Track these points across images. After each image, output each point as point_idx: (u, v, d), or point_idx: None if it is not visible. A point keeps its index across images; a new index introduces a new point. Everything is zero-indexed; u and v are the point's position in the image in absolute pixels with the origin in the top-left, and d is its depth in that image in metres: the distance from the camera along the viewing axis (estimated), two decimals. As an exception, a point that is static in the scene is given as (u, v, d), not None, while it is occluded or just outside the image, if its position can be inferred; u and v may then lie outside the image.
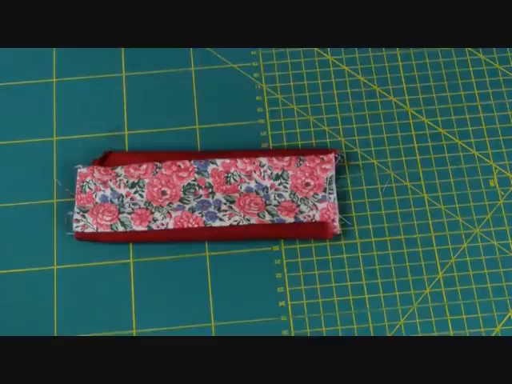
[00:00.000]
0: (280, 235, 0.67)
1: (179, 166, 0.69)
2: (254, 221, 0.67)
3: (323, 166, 0.69)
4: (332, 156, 0.69)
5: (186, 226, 0.67)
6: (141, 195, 0.69)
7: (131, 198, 0.69)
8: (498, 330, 0.65)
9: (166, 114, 0.73)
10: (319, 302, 0.66)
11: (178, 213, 0.67)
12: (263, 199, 0.68)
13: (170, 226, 0.67)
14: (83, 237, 0.67)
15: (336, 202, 0.68)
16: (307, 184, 0.69)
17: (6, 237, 0.68)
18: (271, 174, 0.69)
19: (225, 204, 0.68)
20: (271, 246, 0.68)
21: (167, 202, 0.68)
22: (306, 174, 0.69)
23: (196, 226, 0.67)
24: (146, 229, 0.67)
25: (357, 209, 0.69)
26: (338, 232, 0.68)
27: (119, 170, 0.69)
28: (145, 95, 0.73)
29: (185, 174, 0.69)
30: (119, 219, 0.67)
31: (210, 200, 0.68)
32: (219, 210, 0.67)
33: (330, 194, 0.68)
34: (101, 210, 0.68)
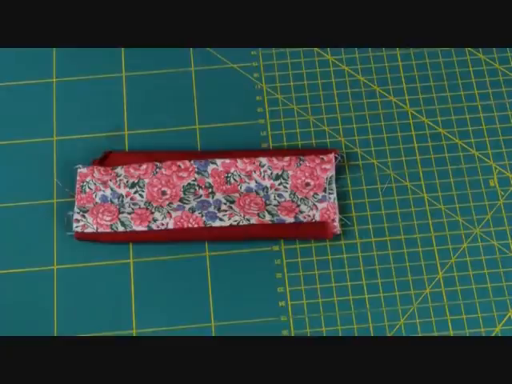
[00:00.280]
0: (280, 235, 0.67)
1: (179, 166, 0.69)
2: (254, 221, 0.67)
3: (323, 166, 0.69)
4: (332, 156, 0.69)
5: (185, 226, 0.67)
6: (141, 195, 0.69)
7: (131, 198, 0.69)
8: (497, 330, 0.65)
9: (166, 114, 0.73)
10: (319, 302, 0.66)
11: (178, 213, 0.67)
12: (263, 199, 0.68)
13: (170, 226, 0.67)
14: (83, 237, 0.67)
15: (336, 202, 0.68)
16: (307, 184, 0.69)
17: (6, 237, 0.68)
18: (271, 173, 0.69)
19: (225, 204, 0.68)
20: (271, 246, 0.68)
21: (167, 202, 0.68)
22: (306, 174, 0.69)
23: (196, 226, 0.67)
24: (145, 229, 0.67)
25: (357, 209, 0.69)
26: (338, 232, 0.68)
27: (119, 169, 0.69)
28: (145, 95, 0.73)
29: (185, 174, 0.69)
30: (119, 219, 0.67)
31: (210, 200, 0.68)
32: (219, 209, 0.67)
33: (330, 193, 0.68)
34: (101, 210, 0.68)
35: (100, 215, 0.67)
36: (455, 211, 0.69)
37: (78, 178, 0.69)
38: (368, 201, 0.69)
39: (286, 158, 0.69)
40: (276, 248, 0.68)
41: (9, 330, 0.65)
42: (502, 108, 0.73)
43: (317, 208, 0.68)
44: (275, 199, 0.68)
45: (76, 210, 0.68)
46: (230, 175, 0.69)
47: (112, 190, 0.69)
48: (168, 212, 0.67)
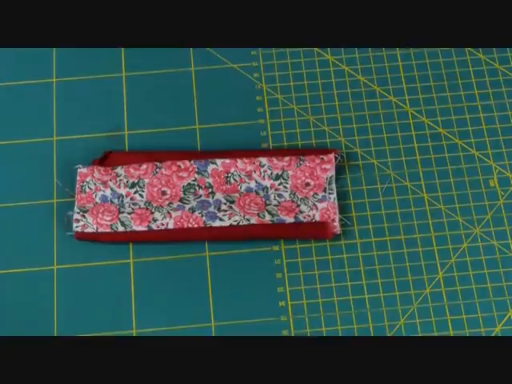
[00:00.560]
0: (280, 235, 0.67)
1: (179, 166, 0.69)
2: (254, 221, 0.67)
3: (323, 166, 0.69)
4: (332, 156, 0.69)
5: (186, 226, 0.67)
6: (141, 195, 0.69)
7: (131, 198, 0.69)
8: (497, 330, 0.65)
9: (166, 114, 0.73)
10: (319, 302, 0.66)
11: (178, 213, 0.67)
12: (263, 199, 0.68)
13: (170, 226, 0.67)
14: (83, 237, 0.67)
15: (336, 201, 0.68)
16: (307, 184, 0.69)
17: (6, 237, 0.68)
18: (271, 173, 0.69)
19: (225, 204, 0.68)
20: (271, 246, 0.68)
21: (167, 202, 0.68)
22: (306, 174, 0.69)
23: (196, 225, 0.67)
24: (146, 229, 0.67)
25: (357, 209, 0.69)
26: (338, 232, 0.68)
27: (119, 170, 0.69)
28: (145, 95, 0.73)
29: (185, 174, 0.69)
30: (119, 219, 0.67)
31: (210, 200, 0.68)
32: (219, 209, 0.67)
33: (329, 193, 0.68)
34: (101, 210, 0.68)
35: (100, 215, 0.67)
36: (455, 211, 0.69)
37: (78, 177, 0.69)
38: (368, 201, 0.69)
39: (286, 158, 0.69)
40: (276, 248, 0.68)
41: (9, 330, 0.65)
42: (501, 108, 0.73)
43: (317, 208, 0.68)
44: (275, 199, 0.68)
45: (76, 209, 0.68)
46: (230, 175, 0.69)
47: (112, 189, 0.69)
48: (168, 212, 0.67)
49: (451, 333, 0.65)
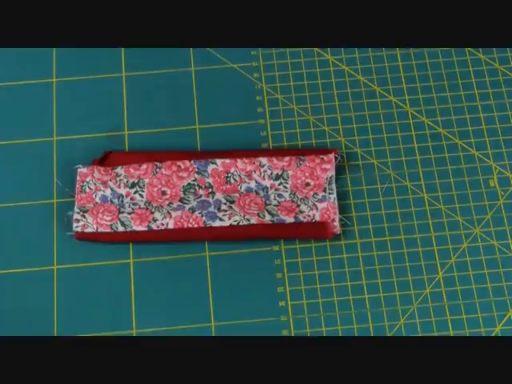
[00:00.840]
0: (280, 235, 0.67)
1: (179, 166, 0.69)
2: (253, 221, 0.67)
3: (323, 166, 0.69)
4: (332, 156, 0.69)
5: (185, 226, 0.67)
6: (141, 195, 0.69)
7: (131, 198, 0.69)
8: (497, 330, 0.65)
9: (166, 114, 0.73)
10: (319, 302, 0.66)
11: (178, 213, 0.67)
12: (263, 199, 0.68)
13: (170, 226, 0.67)
14: (83, 237, 0.67)
15: (336, 201, 0.68)
16: (307, 184, 0.69)
17: (6, 237, 0.68)
18: (271, 173, 0.69)
19: (225, 204, 0.68)
20: (271, 246, 0.68)
21: (167, 202, 0.68)
22: (306, 174, 0.69)
23: (196, 225, 0.67)
24: (146, 229, 0.67)
25: (357, 209, 0.69)
26: (338, 232, 0.68)
27: (119, 170, 0.69)
28: (145, 95, 0.73)
29: (185, 174, 0.69)
30: (119, 219, 0.67)
31: (210, 200, 0.68)
32: (219, 209, 0.67)
33: (329, 193, 0.68)
34: (101, 210, 0.68)
35: (100, 215, 0.67)
36: (455, 211, 0.69)
37: (78, 178, 0.69)
38: (368, 201, 0.69)
39: (286, 158, 0.69)
40: (276, 248, 0.68)
41: (9, 330, 0.65)
42: (501, 108, 0.73)
43: (317, 208, 0.68)
44: (275, 199, 0.68)
45: (76, 209, 0.68)
46: (230, 175, 0.69)
47: (112, 189, 0.69)
48: (168, 212, 0.67)
49: (451, 333, 0.65)
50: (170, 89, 0.74)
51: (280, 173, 0.69)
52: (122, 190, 0.69)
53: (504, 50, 0.75)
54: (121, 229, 0.67)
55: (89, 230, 0.67)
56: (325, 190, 0.68)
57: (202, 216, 0.67)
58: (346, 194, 0.70)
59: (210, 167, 0.69)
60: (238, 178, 0.69)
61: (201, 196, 0.68)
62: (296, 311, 0.66)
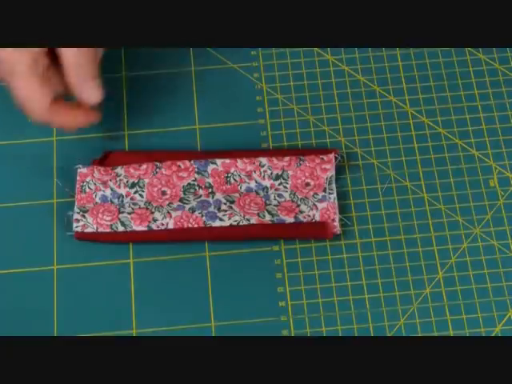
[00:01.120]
0: (280, 235, 0.67)
1: (179, 166, 0.69)
2: (253, 221, 0.67)
3: (323, 166, 0.69)
4: (332, 156, 0.69)
5: (186, 226, 0.67)
6: (141, 195, 0.69)
7: (131, 198, 0.69)
8: (497, 330, 0.65)
9: (165, 114, 0.73)
10: (319, 302, 0.66)
11: (178, 213, 0.67)
12: (263, 199, 0.68)
13: (170, 226, 0.67)
14: (83, 237, 0.67)
15: (336, 201, 0.68)
16: (307, 184, 0.69)
17: (6, 237, 0.68)
18: (271, 173, 0.69)
19: (225, 204, 0.68)
20: (271, 246, 0.68)
21: (167, 202, 0.68)
22: (306, 174, 0.69)
23: (196, 225, 0.67)
24: (145, 229, 0.67)
25: (357, 209, 0.69)
26: (338, 232, 0.68)
27: (119, 170, 0.69)
28: (145, 95, 0.73)
29: (185, 174, 0.69)
30: (119, 219, 0.67)
31: (210, 200, 0.68)
32: (219, 209, 0.67)
33: (329, 193, 0.68)
34: (101, 210, 0.68)
35: (100, 215, 0.67)
36: (455, 211, 0.69)
37: (78, 178, 0.69)
38: (368, 201, 0.69)
39: (286, 158, 0.69)
40: (276, 248, 0.68)
41: (9, 330, 0.65)
42: (501, 108, 0.73)
43: (317, 208, 0.68)
44: (275, 199, 0.68)
45: (76, 209, 0.68)
46: (230, 175, 0.69)
47: (112, 189, 0.69)
48: (168, 212, 0.67)
49: (451, 333, 0.65)
50: (169, 89, 0.74)
51: (280, 173, 0.69)
52: (122, 190, 0.69)
53: (504, 50, 0.75)
54: (121, 229, 0.67)
55: (89, 230, 0.67)
56: (325, 190, 0.68)
57: (202, 216, 0.67)
58: (346, 193, 0.70)
59: (210, 167, 0.69)
60: (237, 178, 0.69)
61: (201, 196, 0.68)
62: (296, 311, 0.66)
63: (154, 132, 0.72)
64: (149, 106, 0.73)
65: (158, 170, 0.69)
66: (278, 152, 0.70)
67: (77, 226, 0.67)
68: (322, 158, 0.69)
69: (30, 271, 0.67)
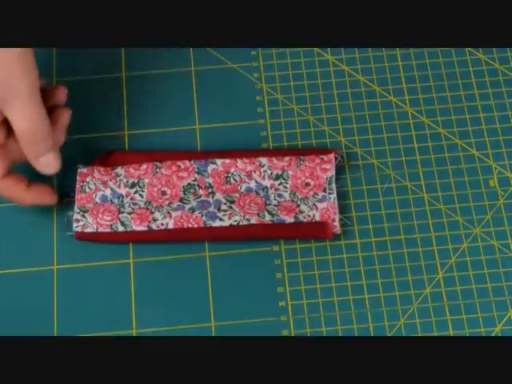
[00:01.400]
0: (280, 235, 0.67)
1: (179, 166, 0.69)
2: (253, 221, 0.67)
3: (323, 166, 0.69)
4: (332, 156, 0.69)
5: (186, 225, 0.67)
6: (141, 195, 0.69)
7: (131, 198, 0.69)
8: (497, 330, 0.65)
9: (166, 113, 0.73)
10: (319, 302, 0.66)
11: (178, 213, 0.67)
12: (263, 199, 0.68)
13: (170, 226, 0.67)
14: (83, 237, 0.67)
15: (336, 201, 0.68)
16: (307, 184, 0.69)
17: (6, 237, 0.68)
18: (271, 173, 0.69)
19: (225, 204, 0.68)
20: (271, 246, 0.68)
21: (167, 202, 0.68)
22: (306, 174, 0.69)
23: (196, 225, 0.67)
24: (145, 229, 0.67)
25: (357, 209, 0.69)
26: (338, 232, 0.68)
27: (119, 169, 0.69)
28: (145, 95, 0.73)
29: (185, 174, 0.69)
30: (119, 219, 0.67)
31: (210, 200, 0.68)
32: (219, 209, 0.67)
33: (330, 193, 0.68)
34: (101, 210, 0.68)
35: (100, 215, 0.67)
36: (455, 211, 0.69)
37: (78, 177, 0.69)
38: (368, 201, 0.69)
39: (286, 158, 0.69)
40: (276, 248, 0.68)
41: (9, 330, 0.65)
42: (501, 108, 0.73)
43: (317, 208, 0.68)
44: (275, 199, 0.68)
45: (76, 209, 0.68)
46: (230, 175, 0.69)
47: (112, 189, 0.69)
48: (168, 212, 0.67)
49: (451, 333, 0.65)
50: (170, 89, 0.74)
51: (280, 173, 0.69)
52: (122, 190, 0.69)
53: (504, 50, 0.75)
54: (121, 229, 0.67)
55: (89, 229, 0.67)
56: (325, 190, 0.68)
57: (202, 216, 0.67)
58: (346, 193, 0.70)
59: (210, 167, 0.69)
60: (237, 178, 0.69)
61: (201, 196, 0.68)
62: (296, 311, 0.66)
63: (154, 132, 0.72)
64: (149, 106, 0.73)
65: (157, 169, 0.69)
66: (278, 152, 0.70)
67: (77, 226, 0.67)
68: (322, 158, 0.69)
69: (30, 271, 0.67)
